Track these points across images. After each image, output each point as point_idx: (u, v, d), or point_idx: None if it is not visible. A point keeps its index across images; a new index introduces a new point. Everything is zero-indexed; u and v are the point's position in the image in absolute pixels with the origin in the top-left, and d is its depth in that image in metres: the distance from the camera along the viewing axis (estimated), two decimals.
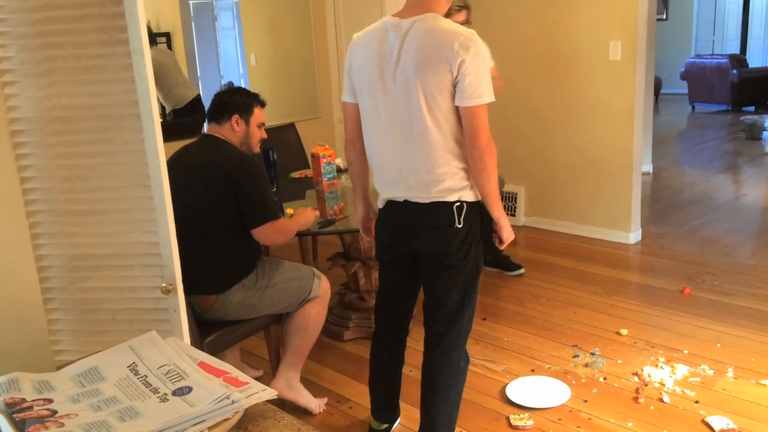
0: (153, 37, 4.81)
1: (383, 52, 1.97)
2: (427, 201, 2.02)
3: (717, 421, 2.52)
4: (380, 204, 2.18)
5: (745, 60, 10.75)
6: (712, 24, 12.33)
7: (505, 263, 4.12)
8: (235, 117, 2.57)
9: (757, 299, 3.59)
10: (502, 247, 2.15)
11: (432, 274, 2.15)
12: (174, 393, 1.06)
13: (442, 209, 2.02)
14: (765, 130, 7.80)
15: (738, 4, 11.94)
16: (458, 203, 2.02)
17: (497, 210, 2.07)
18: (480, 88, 1.90)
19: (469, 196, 2.04)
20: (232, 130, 2.57)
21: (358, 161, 2.22)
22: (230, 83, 2.71)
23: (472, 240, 2.08)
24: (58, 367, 1.20)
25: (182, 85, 4.77)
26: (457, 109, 1.93)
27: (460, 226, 2.03)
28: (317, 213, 2.76)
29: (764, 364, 2.92)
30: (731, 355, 3.03)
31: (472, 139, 1.94)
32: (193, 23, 5.15)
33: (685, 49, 12.22)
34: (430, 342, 2.23)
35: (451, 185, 2.00)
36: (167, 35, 4.97)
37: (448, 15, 3.33)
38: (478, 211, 2.08)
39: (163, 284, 1.62)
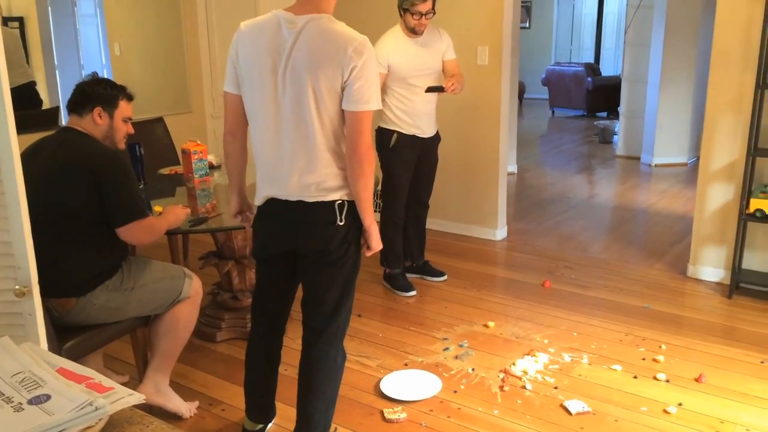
0: (4, 21, 4.46)
1: (276, 47, 1.94)
2: (310, 200, 2.02)
3: (573, 404, 2.70)
4: (259, 201, 2.14)
5: (599, 69, 11.59)
6: (570, 34, 13.19)
7: (426, 269, 4.11)
8: (98, 110, 2.42)
9: (609, 290, 3.89)
10: (368, 254, 2.17)
11: (312, 272, 2.15)
12: (30, 402, 0.99)
13: (323, 207, 2.03)
14: (615, 135, 8.45)
15: (593, 16, 12.85)
16: (340, 201, 2.04)
17: (369, 217, 2.09)
18: (368, 94, 1.92)
19: (350, 195, 2.06)
20: (93, 124, 2.42)
21: (237, 154, 2.17)
22: (94, 73, 2.53)
23: (352, 238, 2.10)
24: None
25: (14, 69, 4.46)
26: (343, 112, 1.95)
27: (341, 224, 2.05)
28: (188, 211, 2.66)
29: (614, 350, 3.17)
30: (586, 342, 3.26)
31: (353, 144, 1.95)
32: (49, 8, 4.81)
33: (546, 57, 12.99)
34: (307, 340, 2.23)
35: (333, 185, 2.02)
36: (20, 20, 4.62)
37: (411, 4, 3.37)
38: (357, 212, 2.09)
39: (17, 287, 1.51)
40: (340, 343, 2.24)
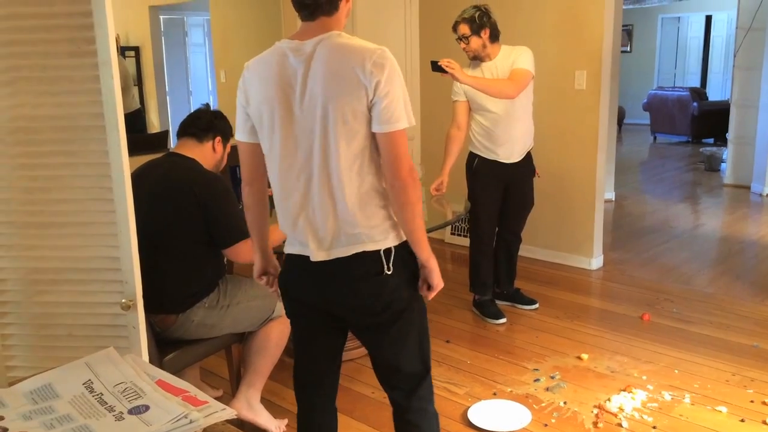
0: (122, 51, 4.78)
1: (285, 80, 1.70)
2: (347, 254, 1.74)
3: None
4: (288, 250, 1.86)
5: (705, 93, 11.09)
6: (674, 58, 12.72)
7: (517, 297, 4.03)
8: (219, 139, 2.60)
9: (714, 327, 3.67)
10: (430, 296, 1.86)
11: (372, 336, 1.87)
12: (130, 411, 1.04)
13: (365, 258, 1.74)
14: (723, 162, 8.03)
15: (699, 39, 12.35)
16: (386, 248, 1.75)
17: (424, 251, 1.77)
18: (398, 111, 1.66)
19: (394, 239, 1.77)
20: (211, 151, 2.59)
21: (256, 206, 1.93)
22: (207, 105, 2.73)
23: (407, 285, 1.82)
24: (11, 384, 1.16)
25: (125, 97, 4.78)
26: (374, 136, 1.69)
27: (390, 273, 1.75)
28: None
29: (720, 390, 2.98)
30: (688, 381, 3.08)
31: (392, 170, 1.68)
32: (163, 38, 5.13)
33: (647, 81, 12.57)
34: (396, 408, 1.96)
35: (372, 233, 1.74)
36: (136, 49, 4.95)
37: (453, 30, 3.40)
38: (407, 250, 1.80)
39: (123, 300, 1.59)
40: (432, 395, 1.97)
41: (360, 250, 1.73)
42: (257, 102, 1.75)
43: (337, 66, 1.66)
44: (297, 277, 1.86)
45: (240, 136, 1.84)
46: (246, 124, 1.81)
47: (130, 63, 4.90)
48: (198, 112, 2.65)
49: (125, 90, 4.76)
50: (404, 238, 1.78)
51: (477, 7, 3.45)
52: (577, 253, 4.69)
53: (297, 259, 1.81)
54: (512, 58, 3.46)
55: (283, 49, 1.72)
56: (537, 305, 4.00)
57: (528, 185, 3.78)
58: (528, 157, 3.70)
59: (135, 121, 4.86)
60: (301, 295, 1.87)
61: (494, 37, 3.48)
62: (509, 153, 3.61)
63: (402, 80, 1.70)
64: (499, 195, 3.70)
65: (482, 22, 3.42)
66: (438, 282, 1.83)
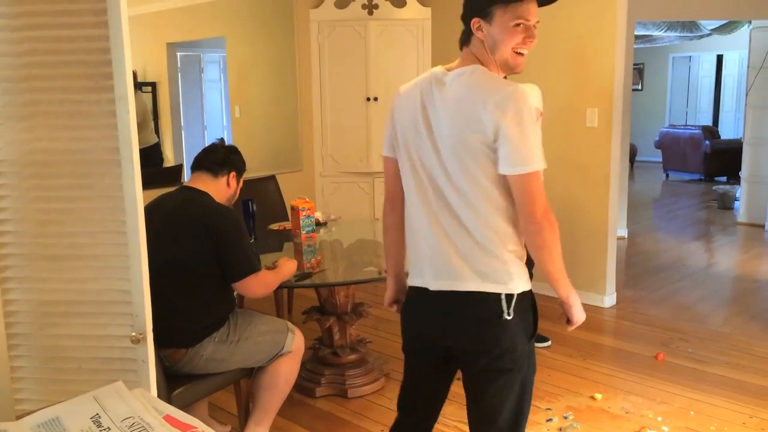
0: (139, 86, 4.86)
1: (421, 108, 1.72)
2: (469, 289, 1.71)
3: None
4: (411, 282, 1.84)
5: (717, 131, 11.09)
6: (685, 96, 12.75)
7: None
8: (233, 174, 2.63)
9: (730, 367, 3.60)
10: (570, 329, 1.88)
11: (480, 380, 1.80)
12: None
13: (487, 299, 1.70)
14: (736, 200, 7.98)
15: (710, 78, 12.40)
16: (507, 294, 1.71)
17: (564, 289, 1.77)
18: (526, 154, 1.60)
19: (519, 285, 1.72)
20: (225, 185, 2.61)
21: (395, 227, 1.89)
22: (222, 140, 2.79)
23: (525, 335, 1.77)
24: (19, 417, 1.16)
25: (143, 131, 4.82)
26: (502, 177, 1.65)
27: (509, 318, 1.70)
28: (296, 262, 2.76)
29: None
30: (704, 422, 3.01)
31: (525, 213, 1.64)
32: (179, 74, 5.21)
33: (659, 119, 12.59)
34: None
35: (496, 275, 1.70)
36: (153, 84, 5.02)
37: None
38: (531, 301, 1.79)
39: (133, 333, 1.59)
40: None
41: (480, 288, 1.70)
42: (400, 122, 1.78)
43: (463, 102, 1.66)
44: (418, 309, 1.84)
45: (384, 150, 1.86)
46: (390, 139, 1.84)
47: (147, 98, 4.97)
48: (213, 146, 2.68)
49: (144, 124, 4.81)
50: (530, 287, 1.76)
51: None
52: (589, 291, 4.65)
53: (418, 291, 1.80)
54: None
55: (432, 77, 1.75)
56: (549, 343, 3.95)
57: None
58: None
59: (153, 155, 4.91)
60: (420, 327, 1.86)
61: None
62: None
63: (533, 121, 1.64)
64: None
65: None
66: (579, 316, 1.83)
